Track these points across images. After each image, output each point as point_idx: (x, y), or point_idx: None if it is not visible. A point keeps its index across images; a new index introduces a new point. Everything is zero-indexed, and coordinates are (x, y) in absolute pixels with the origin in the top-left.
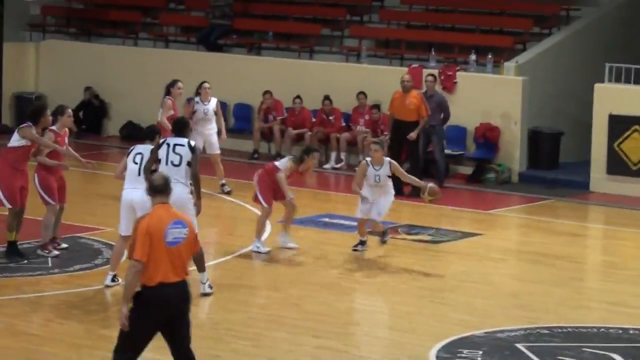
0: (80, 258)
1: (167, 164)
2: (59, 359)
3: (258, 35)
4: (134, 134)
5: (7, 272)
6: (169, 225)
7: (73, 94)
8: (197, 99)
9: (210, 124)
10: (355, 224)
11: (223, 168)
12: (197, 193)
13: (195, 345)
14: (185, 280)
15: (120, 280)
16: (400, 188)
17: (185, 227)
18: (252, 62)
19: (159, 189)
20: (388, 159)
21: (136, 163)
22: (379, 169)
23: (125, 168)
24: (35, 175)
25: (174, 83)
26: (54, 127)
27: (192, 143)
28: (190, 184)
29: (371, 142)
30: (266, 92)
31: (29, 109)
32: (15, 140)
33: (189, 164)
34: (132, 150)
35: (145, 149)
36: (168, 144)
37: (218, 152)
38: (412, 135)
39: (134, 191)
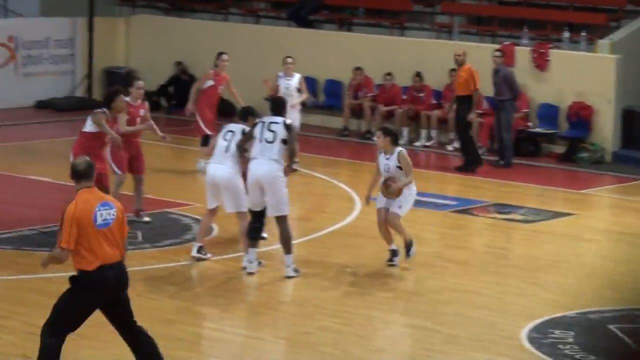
0: (169, 233)
1: (261, 141)
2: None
3: (349, 11)
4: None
5: None
6: (97, 207)
7: (163, 69)
8: (280, 73)
9: (292, 99)
10: (447, 202)
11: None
12: (290, 160)
13: (285, 322)
14: (121, 261)
15: (208, 254)
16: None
17: (113, 208)
18: (342, 38)
19: (82, 174)
20: (400, 148)
21: (226, 140)
22: (389, 158)
23: (215, 146)
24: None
25: (219, 55)
26: (127, 98)
27: (288, 121)
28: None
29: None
30: (357, 69)
31: (104, 94)
32: (88, 126)
33: (284, 141)
34: (224, 128)
35: (237, 127)
36: (263, 122)
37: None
38: (472, 116)
39: (218, 167)
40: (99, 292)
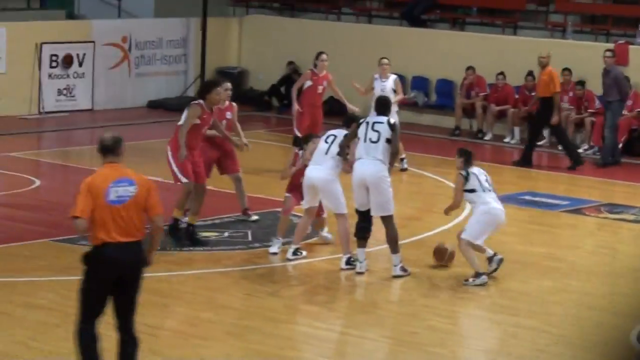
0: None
1: (365, 141)
2: (258, 333)
3: (462, 10)
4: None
5: (209, 246)
6: (112, 183)
7: (275, 68)
8: (376, 75)
9: None
10: (558, 202)
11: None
12: (391, 160)
13: (391, 321)
14: (136, 241)
15: (304, 253)
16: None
17: (133, 185)
18: (455, 37)
19: (108, 148)
20: (464, 171)
21: (327, 142)
22: None
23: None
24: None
25: (318, 55)
26: (202, 102)
27: (392, 120)
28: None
29: None
30: (469, 68)
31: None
32: (183, 118)
33: (387, 140)
34: (327, 133)
35: (339, 132)
36: (367, 122)
37: None
38: (555, 119)
39: (316, 168)
40: (107, 268)
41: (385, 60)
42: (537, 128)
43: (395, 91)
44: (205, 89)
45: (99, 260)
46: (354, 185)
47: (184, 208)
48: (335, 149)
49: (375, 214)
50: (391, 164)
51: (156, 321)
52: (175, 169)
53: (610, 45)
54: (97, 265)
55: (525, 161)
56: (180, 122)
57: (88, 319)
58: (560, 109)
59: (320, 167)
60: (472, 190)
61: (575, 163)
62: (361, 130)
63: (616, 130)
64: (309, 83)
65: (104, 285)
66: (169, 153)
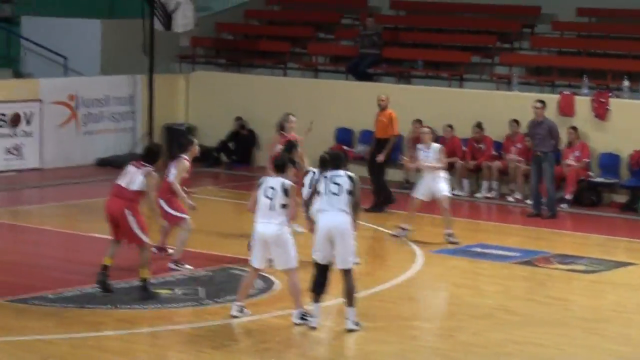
0: (230, 289)
1: (326, 193)
2: None
3: (407, 64)
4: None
5: (160, 303)
6: None
7: (223, 124)
8: (419, 146)
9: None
10: (509, 253)
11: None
12: (355, 215)
13: None
14: None
15: (247, 311)
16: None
17: None
18: (401, 90)
19: None
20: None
21: (268, 197)
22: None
23: (256, 201)
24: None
25: (286, 116)
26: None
27: (350, 174)
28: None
29: None
30: (416, 121)
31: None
32: (172, 173)
33: (349, 192)
34: (261, 183)
35: (276, 182)
36: (325, 177)
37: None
38: (380, 157)
39: (265, 224)
40: None
41: (426, 129)
42: (378, 169)
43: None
44: (187, 144)
45: None
46: (319, 237)
47: (149, 266)
48: (278, 202)
49: (339, 267)
50: (355, 219)
51: None
52: (137, 230)
53: (554, 97)
54: None
55: (378, 206)
56: (171, 178)
57: None
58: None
59: (270, 223)
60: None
61: (380, 205)
62: (321, 185)
63: (554, 180)
64: (279, 147)
65: None
66: (129, 215)
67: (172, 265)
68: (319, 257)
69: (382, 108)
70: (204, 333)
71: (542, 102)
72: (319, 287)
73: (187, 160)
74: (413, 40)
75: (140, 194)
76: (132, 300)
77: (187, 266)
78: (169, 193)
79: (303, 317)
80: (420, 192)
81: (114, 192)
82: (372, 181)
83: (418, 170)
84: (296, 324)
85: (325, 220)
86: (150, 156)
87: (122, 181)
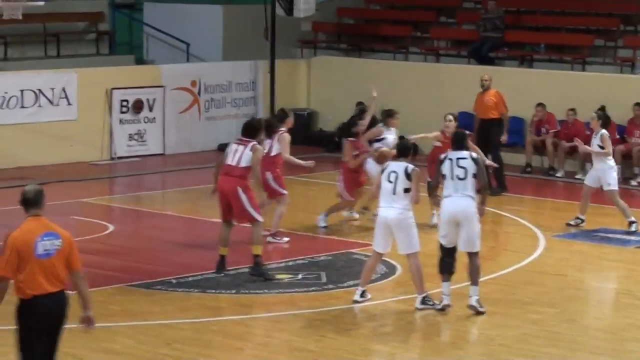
0: (353, 274)
1: (452, 178)
2: None
3: (530, 48)
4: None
5: (282, 288)
6: (40, 237)
7: (344, 109)
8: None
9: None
10: (633, 237)
11: None
12: (482, 199)
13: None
14: (62, 291)
15: (369, 295)
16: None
17: (59, 239)
18: (524, 74)
19: (30, 201)
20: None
21: (390, 182)
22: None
23: (379, 186)
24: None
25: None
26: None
27: (474, 155)
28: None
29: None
30: (539, 105)
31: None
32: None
33: (474, 176)
34: (385, 168)
35: (399, 167)
36: (451, 159)
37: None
38: (503, 137)
39: (389, 209)
40: (39, 319)
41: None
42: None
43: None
44: (284, 116)
45: (33, 311)
46: (444, 222)
47: (261, 243)
48: (401, 187)
49: (464, 250)
50: (482, 202)
51: None
52: (249, 207)
53: None
54: (31, 317)
55: (501, 186)
56: (276, 152)
57: None
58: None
59: (392, 207)
60: None
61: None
62: (445, 167)
63: None
64: (437, 144)
65: (39, 335)
66: (241, 193)
67: (271, 239)
68: (446, 241)
69: (486, 88)
70: (325, 317)
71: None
72: (448, 266)
73: (287, 133)
74: (535, 24)
75: (248, 169)
76: (253, 286)
77: (285, 238)
78: (276, 167)
79: (425, 301)
80: (590, 180)
81: (224, 172)
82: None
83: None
84: (418, 309)
85: (450, 205)
86: (252, 131)
87: (231, 160)
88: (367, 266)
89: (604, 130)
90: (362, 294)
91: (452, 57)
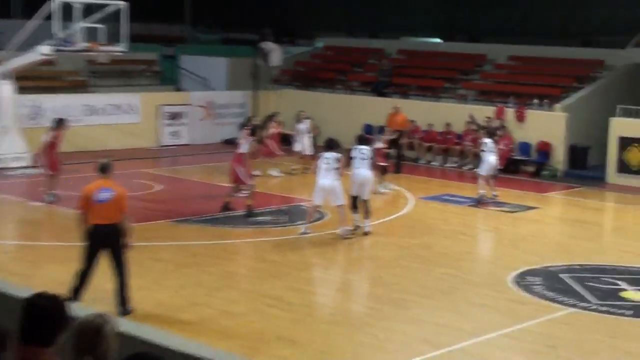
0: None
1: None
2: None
3: (406, 87)
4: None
5: (259, 225)
6: (99, 190)
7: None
8: None
9: None
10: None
11: None
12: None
13: None
14: (113, 224)
15: (310, 231)
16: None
17: (113, 192)
18: (403, 103)
19: (101, 169)
20: None
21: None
22: None
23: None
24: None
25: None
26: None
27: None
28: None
29: None
30: (412, 121)
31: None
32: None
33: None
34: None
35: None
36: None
37: None
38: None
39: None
40: (92, 239)
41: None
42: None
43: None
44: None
45: (93, 234)
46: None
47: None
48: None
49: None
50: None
51: None
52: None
53: None
54: (92, 237)
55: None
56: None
57: (87, 265)
58: None
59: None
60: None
61: None
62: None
63: None
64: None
65: (96, 248)
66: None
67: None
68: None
69: (396, 112)
70: (286, 242)
71: None
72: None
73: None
74: (409, 73)
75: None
76: (249, 223)
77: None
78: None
79: (347, 231)
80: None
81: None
82: None
83: None
84: (341, 237)
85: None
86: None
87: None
88: (309, 212)
89: None
90: (305, 230)
91: (362, 91)
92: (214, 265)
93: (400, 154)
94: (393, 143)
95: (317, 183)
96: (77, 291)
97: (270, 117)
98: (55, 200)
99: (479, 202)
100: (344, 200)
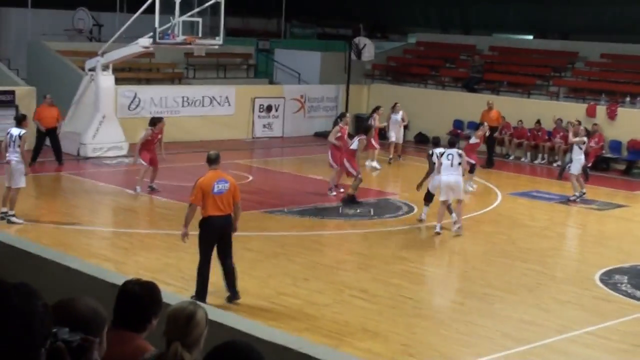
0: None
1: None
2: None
3: (498, 83)
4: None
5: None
6: (216, 181)
7: (384, 115)
8: None
9: None
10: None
11: None
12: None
13: None
14: (229, 214)
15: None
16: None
17: (227, 183)
18: (494, 99)
19: (212, 160)
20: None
21: (449, 159)
22: None
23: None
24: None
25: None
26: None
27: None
28: None
29: None
30: (502, 117)
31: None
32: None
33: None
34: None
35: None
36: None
37: None
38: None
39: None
40: (209, 230)
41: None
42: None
43: None
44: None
45: (208, 225)
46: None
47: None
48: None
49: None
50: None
51: None
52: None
53: None
54: (206, 228)
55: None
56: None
57: (205, 257)
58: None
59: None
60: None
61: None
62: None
63: None
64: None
65: (209, 240)
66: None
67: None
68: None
69: (490, 107)
70: (373, 235)
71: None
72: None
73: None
74: (500, 69)
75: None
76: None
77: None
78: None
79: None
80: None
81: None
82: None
83: None
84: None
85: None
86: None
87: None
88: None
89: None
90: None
91: (453, 87)
92: (301, 256)
93: (493, 150)
94: (488, 138)
95: (441, 180)
96: (202, 288)
97: (374, 111)
98: (155, 190)
99: (572, 201)
100: (464, 196)
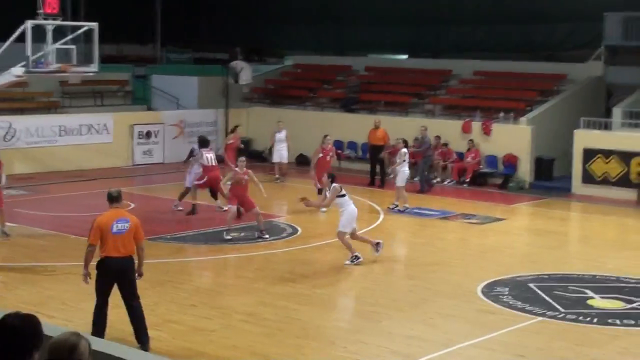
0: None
1: None
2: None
3: (375, 103)
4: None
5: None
6: (115, 221)
7: (266, 138)
8: None
9: None
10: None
11: None
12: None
13: None
14: (128, 256)
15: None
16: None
17: (128, 222)
18: (372, 119)
19: (113, 199)
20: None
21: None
22: None
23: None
24: None
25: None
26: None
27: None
28: None
29: None
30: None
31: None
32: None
33: None
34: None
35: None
36: None
37: None
38: (384, 154)
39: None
40: (106, 273)
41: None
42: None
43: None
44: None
45: (104, 268)
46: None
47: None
48: None
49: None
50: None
51: None
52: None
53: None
54: (104, 269)
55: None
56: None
57: (103, 300)
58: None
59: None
60: (342, 196)
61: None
62: None
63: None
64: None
65: (109, 281)
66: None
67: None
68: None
69: (377, 127)
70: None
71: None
72: None
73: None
74: (377, 89)
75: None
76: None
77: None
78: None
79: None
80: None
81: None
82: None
83: None
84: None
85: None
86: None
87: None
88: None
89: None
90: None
91: (331, 108)
92: (187, 282)
93: (382, 169)
94: (375, 158)
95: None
96: (98, 327)
97: (232, 130)
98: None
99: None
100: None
